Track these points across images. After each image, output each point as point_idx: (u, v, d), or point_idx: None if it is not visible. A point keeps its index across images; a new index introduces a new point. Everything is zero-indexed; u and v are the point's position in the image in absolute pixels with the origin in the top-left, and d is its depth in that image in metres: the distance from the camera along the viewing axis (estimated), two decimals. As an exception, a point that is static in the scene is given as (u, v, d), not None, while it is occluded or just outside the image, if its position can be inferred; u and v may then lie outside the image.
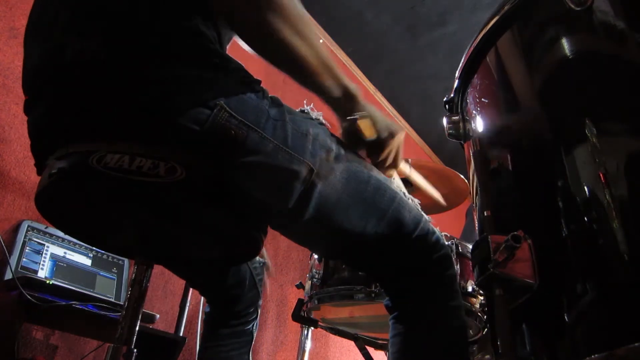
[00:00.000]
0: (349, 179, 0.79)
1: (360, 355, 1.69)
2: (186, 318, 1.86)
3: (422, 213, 0.87)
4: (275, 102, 0.77)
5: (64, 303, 1.28)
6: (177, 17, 0.74)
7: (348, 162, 0.80)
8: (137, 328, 0.85)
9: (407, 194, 0.89)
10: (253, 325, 1.20)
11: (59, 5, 0.79)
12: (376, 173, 0.84)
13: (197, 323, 2.04)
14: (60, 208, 0.83)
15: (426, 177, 1.94)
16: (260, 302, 1.23)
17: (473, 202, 0.89)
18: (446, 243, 0.87)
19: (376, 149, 0.86)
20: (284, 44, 0.74)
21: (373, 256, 0.85)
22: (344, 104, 0.84)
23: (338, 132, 0.86)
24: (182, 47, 0.73)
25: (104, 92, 0.72)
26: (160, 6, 0.74)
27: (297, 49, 0.75)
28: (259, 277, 1.20)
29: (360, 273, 1.41)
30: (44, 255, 1.52)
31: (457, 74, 0.94)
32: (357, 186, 0.79)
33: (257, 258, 1.20)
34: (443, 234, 1.45)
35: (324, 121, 0.84)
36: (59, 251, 1.57)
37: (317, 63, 0.77)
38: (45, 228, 1.58)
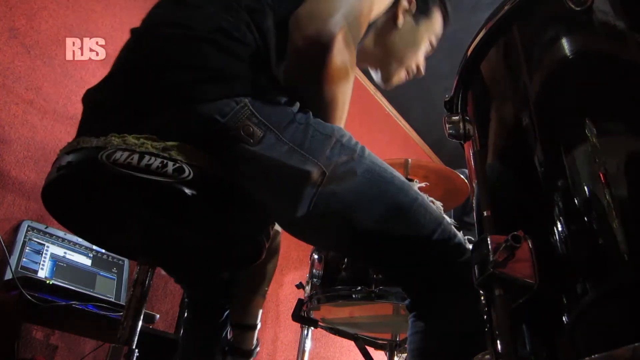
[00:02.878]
0: (372, 179, 0.80)
1: (360, 355, 1.69)
2: (186, 318, 1.85)
3: (444, 216, 0.87)
4: (305, 109, 0.80)
5: (64, 303, 1.28)
6: (233, 25, 0.81)
7: (372, 162, 0.81)
8: (138, 328, 0.85)
9: (429, 197, 0.89)
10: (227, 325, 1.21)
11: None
12: (399, 175, 0.85)
13: (197, 323, 2.04)
14: (66, 203, 0.83)
15: (426, 177, 1.95)
16: None
17: (473, 202, 0.89)
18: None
19: None
20: (331, 102, 0.84)
21: (393, 257, 0.84)
22: None
23: None
24: (227, 44, 0.78)
25: (139, 78, 0.78)
26: (222, 13, 0.82)
27: (337, 107, 0.85)
28: None
29: (369, 274, 1.40)
30: (44, 255, 1.52)
31: (457, 74, 0.94)
32: (380, 186, 0.80)
33: None
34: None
35: None
36: (59, 251, 1.57)
37: (340, 115, 0.87)
38: (45, 228, 1.58)
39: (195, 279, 1.17)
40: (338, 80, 0.82)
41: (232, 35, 0.80)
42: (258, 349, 1.17)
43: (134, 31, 0.87)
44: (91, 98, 0.83)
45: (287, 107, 0.78)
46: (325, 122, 0.82)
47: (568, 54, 0.69)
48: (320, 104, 0.83)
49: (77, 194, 0.80)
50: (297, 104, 0.80)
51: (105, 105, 0.79)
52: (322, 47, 0.79)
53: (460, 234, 0.87)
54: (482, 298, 1.39)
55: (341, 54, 0.81)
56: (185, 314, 1.23)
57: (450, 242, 0.83)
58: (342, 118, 0.87)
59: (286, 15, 0.85)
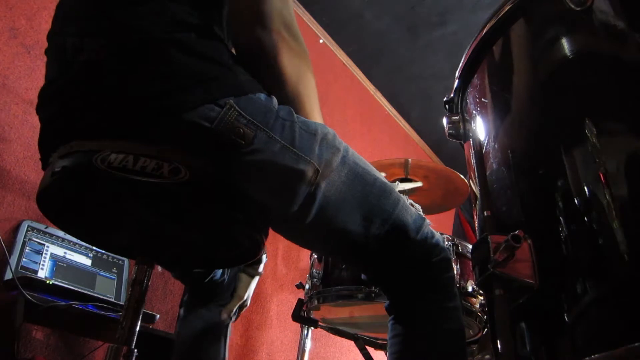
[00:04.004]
0: (355, 181, 0.80)
1: (360, 355, 1.69)
2: (186, 318, 1.85)
3: (424, 216, 0.88)
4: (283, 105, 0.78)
5: (64, 303, 1.28)
6: (188, 14, 0.76)
7: (355, 164, 0.81)
8: (137, 328, 0.85)
9: (408, 199, 0.91)
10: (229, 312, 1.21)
11: (73, 6, 0.82)
12: (382, 176, 0.85)
13: (197, 323, 2.04)
14: (62, 207, 0.83)
15: (426, 177, 1.95)
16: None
17: (473, 202, 0.89)
18: (446, 244, 0.87)
19: None
20: (296, 98, 0.82)
21: (374, 258, 0.85)
22: None
23: None
24: (193, 43, 0.74)
25: (109, 88, 0.72)
26: (171, 3, 0.76)
27: (304, 100, 0.83)
28: None
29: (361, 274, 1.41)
30: (44, 255, 1.52)
31: (457, 74, 0.94)
32: (363, 188, 0.80)
33: None
34: (444, 235, 1.46)
35: None
36: (59, 251, 1.56)
37: (311, 106, 0.84)
38: (45, 228, 1.58)
39: (198, 273, 1.18)
40: (297, 75, 0.81)
41: (192, 26, 0.75)
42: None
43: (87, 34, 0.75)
44: (60, 104, 0.76)
45: (268, 103, 0.76)
46: (306, 119, 0.81)
47: (568, 54, 0.69)
48: (286, 102, 0.81)
49: (73, 197, 0.80)
50: (274, 98, 0.78)
51: (90, 113, 0.74)
52: (269, 49, 0.78)
53: (438, 234, 0.88)
54: (482, 298, 1.39)
55: (289, 48, 0.80)
56: (183, 307, 1.21)
57: (427, 242, 0.84)
58: (314, 109, 0.85)
59: None
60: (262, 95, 0.76)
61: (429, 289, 0.83)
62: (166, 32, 0.73)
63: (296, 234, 0.86)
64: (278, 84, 0.80)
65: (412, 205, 0.91)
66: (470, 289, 1.38)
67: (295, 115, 0.77)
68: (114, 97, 0.72)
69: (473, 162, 0.86)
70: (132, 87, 0.71)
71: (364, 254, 0.85)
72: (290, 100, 0.81)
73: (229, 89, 0.73)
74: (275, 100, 0.77)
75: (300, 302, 1.60)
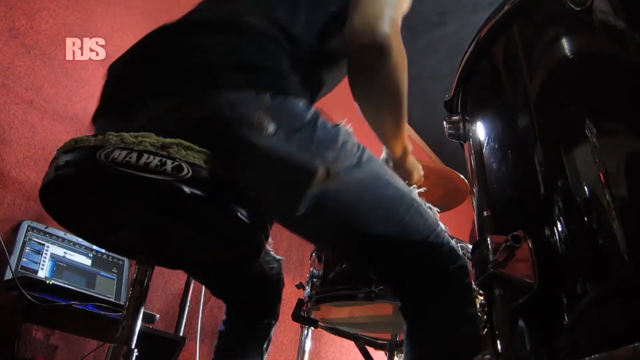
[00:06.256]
0: (369, 185, 0.81)
1: (360, 355, 1.69)
2: (186, 318, 1.86)
3: (439, 222, 0.89)
4: (314, 113, 0.81)
5: (64, 303, 1.28)
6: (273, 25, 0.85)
7: (370, 169, 0.82)
8: (137, 328, 0.85)
9: (426, 203, 0.91)
10: (270, 330, 1.23)
11: None
12: (396, 181, 0.86)
13: (197, 323, 2.04)
14: (64, 203, 0.83)
15: (426, 177, 1.94)
16: (279, 303, 1.25)
17: (472, 203, 0.89)
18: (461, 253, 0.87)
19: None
20: (400, 94, 0.93)
21: (387, 261, 0.85)
22: (399, 159, 1.12)
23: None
24: (256, 35, 0.83)
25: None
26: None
27: (404, 97, 0.94)
28: (273, 272, 1.22)
29: (369, 274, 1.40)
30: (44, 255, 1.52)
31: (457, 74, 0.94)
32: (376, 192, 0.81)
33: (273, 255, 1.22)
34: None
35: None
36: (59, 251, 1.57)
37: (399, 131, 1.01)
38: (45, 228, 1.58)
39: (215, 281, 1.18)
40: (401, 72, 0.90)
41: (266, 34, 0.83)
42: None
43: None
44: (117, 68, 0.89)
45: (301, 110, 0.79)
46: (329, 125, 0.83)
47: (568, 54, 0.69)
48: (388, 100, 0.92)
49: (76, 193, 0.80)
50: (312, 111, 0.80)
51: (130, 76, 0.85)
52: (381, 50, 0.85)
53: (453, 241, 0.88)
54: (482, 298, 1.39)
55: (398, 48, 0.88)
56: (225, 323, 1.23)
57: (442, 248, 0.84)
58: (403, 128, 0.98)
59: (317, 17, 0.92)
60: (297, 101, 0.79)
61: (445, 295, 0.83)
62: (241, 24, 0.83)
63: (305, 230, 0.87)
64: (385, 81, 0.89)
65: (430, 208, 0.92)
66: (470, 289, 1.38)
67: (319, 122, 0.80)
68: (167, 60, 0.82)
69: (473, 162, 0.86)
70: (192, 56, 0.80)
71: (376, 257, 0.86)
72: (393, 96, 0.92)
73: (271, 85, 0.78)
74: (311, 112, 0.80)
75: (300, 302, 1.60)
